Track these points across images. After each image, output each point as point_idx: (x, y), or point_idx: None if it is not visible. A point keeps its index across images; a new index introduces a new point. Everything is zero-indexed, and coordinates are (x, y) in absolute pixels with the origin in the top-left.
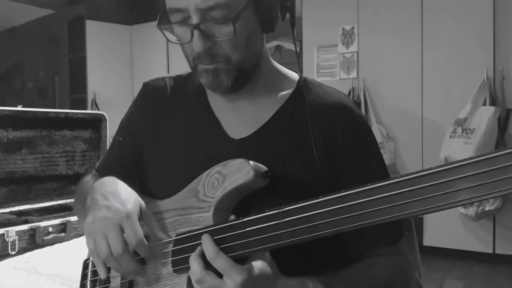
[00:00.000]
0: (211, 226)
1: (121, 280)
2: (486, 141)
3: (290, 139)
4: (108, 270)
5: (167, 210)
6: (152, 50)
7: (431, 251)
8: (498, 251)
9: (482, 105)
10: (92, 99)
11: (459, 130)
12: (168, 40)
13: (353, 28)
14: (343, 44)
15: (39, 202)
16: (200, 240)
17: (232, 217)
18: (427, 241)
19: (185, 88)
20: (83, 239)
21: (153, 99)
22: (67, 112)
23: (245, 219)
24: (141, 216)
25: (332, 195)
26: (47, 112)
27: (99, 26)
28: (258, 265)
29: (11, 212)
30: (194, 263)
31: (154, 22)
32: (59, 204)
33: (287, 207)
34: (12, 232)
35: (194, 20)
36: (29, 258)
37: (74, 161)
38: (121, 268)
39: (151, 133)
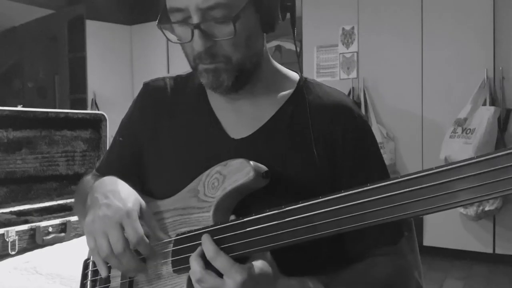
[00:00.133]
0: (211, 226)
1: (121, 280)
2: (486, 141)
3: (290, 139)
4: (109, 269)
5: (167, 210)
6: (152, 50)
7: (431, 251)
8: (498, 251)
9: (482, 105)
10: (92, 99)
11: (459, 130)
12: (168, 39)
13: (353, 28)
14: (343, 44)
15: (39, 202)
16: (200, 240)
17: (232, 217)
18: (427, 241)
19: (185, 88)
20: (83, 239)
21: (153, 99)
22: (67, 112)
23: (245, 219)
24: (141, 215)
25: (332, 195)
26: (47, 112)
27: (99, 26)
28: (258, 264)
29: (11, 212)
30: (194, 263)
31: (154, 22)
32: (59, 204)
33: (287, 207)
34: (12, 232)
35: (195, 19)
36: (29, 258)
37: (74, 161)
38: (122, 266)
39: (151, 133)
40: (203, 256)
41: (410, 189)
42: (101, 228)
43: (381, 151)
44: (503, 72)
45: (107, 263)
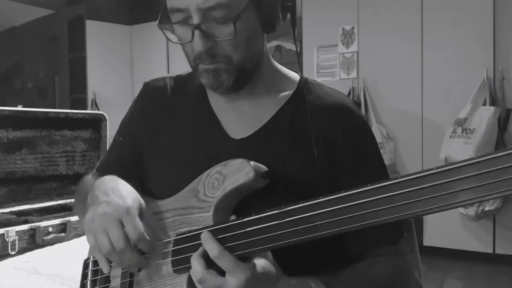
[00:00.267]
0: (211, 226)
1: (121, 280)
2: (486, 141)
3: (290, 139)
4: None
5: (167, 210)
6: (152, 50)
7: (431, 251)
8: (498, 251)
9: (482, 105)
10: (92, 99)
11: (459, 130)
12: (168, 40)
13: (353, 28)
14: (343, 44)
15: (39, 202)
16: (200, 240)
17: (233, 217)
18: (427, 241)
19: (186, 88)
20: (83, 239)
21: (154, 99)
22: (67, 112)
23: (245, 219)
24: (141, 214)
25: (332, 195)
26: (47, 112)
27: (99, 26)
28: (261, 263)
29: (11, 212)
30: (195, 262)
31: (154, 22)
32: (59, 204)
33: (287, 207)
34: (12, 232)
35: (195, 20)
36: (29, 258)
37: (74, 161)
38: (124, 262)
39: (151, 133)
40: (204, 256)
41: (410, 189)
42: (101, 226)
43: (381, 151)
44: (503, 72)
45: (109, 260)
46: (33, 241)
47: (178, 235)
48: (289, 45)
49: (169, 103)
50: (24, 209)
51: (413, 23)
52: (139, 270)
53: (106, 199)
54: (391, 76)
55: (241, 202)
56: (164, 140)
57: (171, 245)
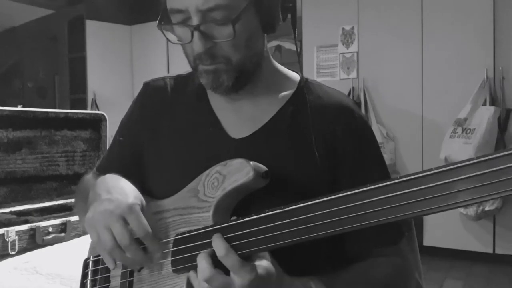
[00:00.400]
0: (211, 226)
1: (121, 280)
2: (486, 141)
3: (290, 140)
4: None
5: (167, 210)
6: (152, 50)
7: (431, 251)
8: (498, 251)
9: (482, 105)
10: (92, 99)
11: (459, 130)
12: (168, 40)
13: (353, 28)
14: (343, 44)
15: (39, 202)
16: (200, 240)
17: (233, 217)
18: (427, 241)
19: (186, 88)
20: (83, 239)
21: (154, 99)
22: (67, 112)
23: (245, 219)
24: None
25: (332, 196)
26: (47, 112)
27: (99, 26)
28: (264, 264)
29: (11, 212)
30: (203, 261)
31: (154, 22)
32: (59, 204)
33: (287, 207)
34: (12, 232)
35: (195, 21)
36: (29, 258)
37: (74, 161)
38: (128, 259)
39: (151, 133)
40: (212, 255)
41: (410, 189)
42: (103, 222)
43: (381, 151)
44: (503, 72)
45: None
46: (33, 241)
47: (178, 235)
48: (289, 45)
49: (169, 103)
50: (24, 209)
51: (413, 23)
52: (140, 270)
53: (108, 197)
54: (391, 76)
55: (241, 202)
56: (164, 140)
57: (171, 245)
